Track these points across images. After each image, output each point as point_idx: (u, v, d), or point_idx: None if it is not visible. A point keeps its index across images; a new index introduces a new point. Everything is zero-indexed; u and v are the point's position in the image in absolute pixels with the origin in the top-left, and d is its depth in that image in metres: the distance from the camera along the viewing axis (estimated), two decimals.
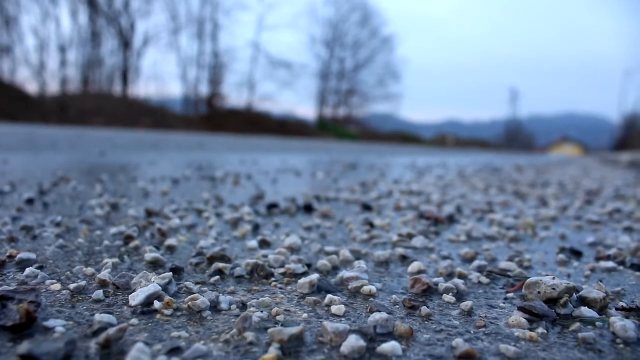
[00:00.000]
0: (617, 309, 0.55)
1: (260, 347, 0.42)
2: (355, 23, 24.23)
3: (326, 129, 21.51)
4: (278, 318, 0.48)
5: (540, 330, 0.47)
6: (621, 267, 0.75)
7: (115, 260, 0.66)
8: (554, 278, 0.56)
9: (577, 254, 0.83)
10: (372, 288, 0.58)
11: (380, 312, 0.48)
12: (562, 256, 0.79)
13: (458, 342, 0.43)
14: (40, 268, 0.61)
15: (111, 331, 0.40)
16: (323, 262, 0.68)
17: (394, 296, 0.56)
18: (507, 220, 1.13)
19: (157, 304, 0.49)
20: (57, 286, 0.55)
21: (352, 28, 24.27)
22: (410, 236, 0.91)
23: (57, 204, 1.12)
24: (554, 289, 0.54)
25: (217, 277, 0.61)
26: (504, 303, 0.57)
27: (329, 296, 0.54)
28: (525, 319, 0.50)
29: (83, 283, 0.55)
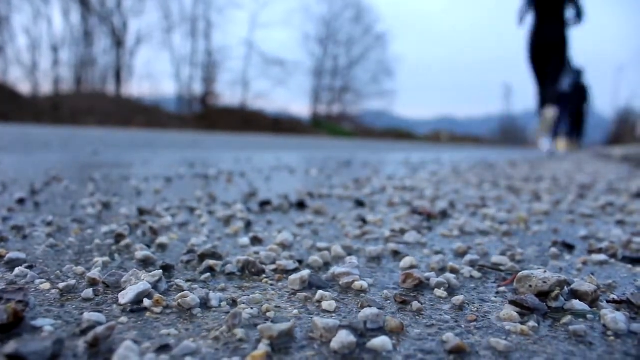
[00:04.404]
0: (608, 302, 0.55)
1: (249, 343, 0.41)
2: (349, 20, 24.27)
3: (320, 126, 21.52)
4: (268, 314, 0.48)
5: (532, 323, 0.47)
6: (613, 260, 0.76)
7: (106, 258, 0.65)
8: (545, 271, 0.56)
9: (569, 247, 0.84)
10: (364, 283, 0.58)
11: (371, 307, 0.48)
12: (554, 250, 0.79)
13: (448, 336, 0.43)
14: (30, 267, 0.61)
15: (99, 329, 0.40)
16: (314, 258, 0.68)
17: (385, 291, 0.56)
18: (500, 214, 1.13)
19: (146, 302, 0.49)
20: (47, 285, 0.54)
21: (345, 25, 24.32)
22: (403, 231, 0.91)
23: (49, 203, 1.12)
24: (545, 282, 0.54)
25: (208, 275, 0.61)
26: (496, 297, 0.57)
27: (320, 292, 0.54)
28: (517, 312, 0.50)
29: (72, 282, 0.54)
